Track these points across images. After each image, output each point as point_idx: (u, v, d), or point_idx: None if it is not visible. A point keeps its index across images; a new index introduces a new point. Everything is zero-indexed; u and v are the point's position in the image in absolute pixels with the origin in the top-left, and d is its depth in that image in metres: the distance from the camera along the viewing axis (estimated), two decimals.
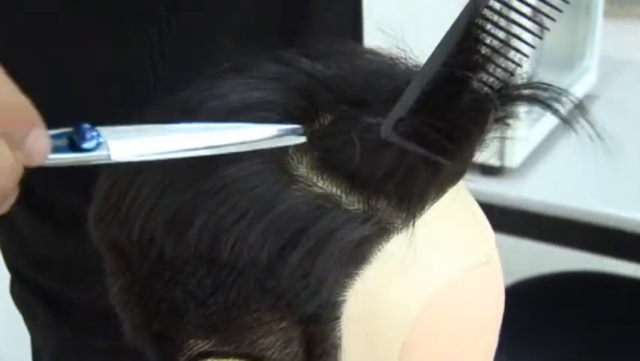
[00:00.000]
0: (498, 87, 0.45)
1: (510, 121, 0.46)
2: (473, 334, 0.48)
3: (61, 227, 0.72)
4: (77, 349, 0.80)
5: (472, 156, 0.47)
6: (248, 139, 0.44)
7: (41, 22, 0.66)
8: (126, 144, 0.43)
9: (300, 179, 0.44)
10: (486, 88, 0.44)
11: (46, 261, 0.77)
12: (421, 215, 0.46)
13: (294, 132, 0.45)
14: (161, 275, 0.45)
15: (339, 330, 0.45)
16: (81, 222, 0.50)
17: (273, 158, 0.44)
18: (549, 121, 1.46)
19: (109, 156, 0.42)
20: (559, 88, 0.46)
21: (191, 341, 0.47)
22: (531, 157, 1.44)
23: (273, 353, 0.46)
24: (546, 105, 0.46)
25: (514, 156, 1.39)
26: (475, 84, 0.44)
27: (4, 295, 0.86)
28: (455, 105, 0.44)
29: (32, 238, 0.77)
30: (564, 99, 0.46)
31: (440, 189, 0.46)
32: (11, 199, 0.40)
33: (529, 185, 1.42)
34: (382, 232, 0.45)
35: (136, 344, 0.50)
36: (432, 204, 0.46)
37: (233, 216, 0.43)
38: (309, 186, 0.44)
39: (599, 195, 1.40)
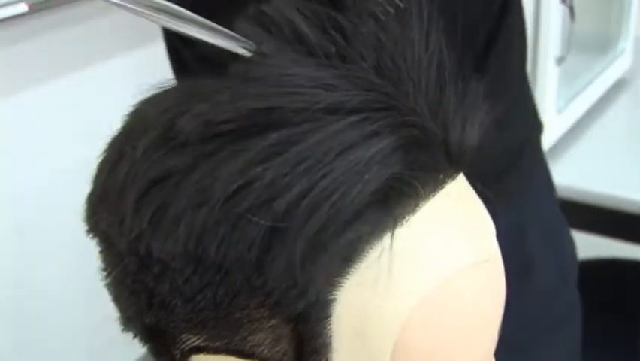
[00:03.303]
0: None
1: None
2: (470, 332, 0.47)
3: None
4: None
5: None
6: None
7: None
8: None
9: None
10: None
11: None
12: (414, 213, 0.45)
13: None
14: (150, 270, 0.45)
15: (330, 329, 0.45)
16: None
17: None
18: (579, 107, 1.44)
19: None
20: None
21: (184, 336, 0.47)
22: (560, 143, 1.42)
23: (264, 350, 0.45)
24: None
25: (543, 141, 1.36)
26: None
27: (5, 296, 0.88)
28: None
29: None
30: None
31: (433, 187, 0.46)
32: None
33: (558, 171, 1.40)
34: (378, 229, 0.44)
35: (131, 335, 0.50)
36: (425, 202, 0.45)
37: (218, 214, 0.43)
38: None
39: (628, 181, 1.38)
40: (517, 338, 0.93)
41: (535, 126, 0.98)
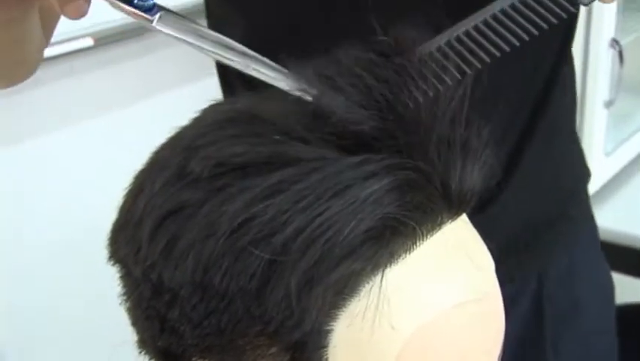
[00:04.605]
0: None
1: None
2: None
3: None
4: None
5: None
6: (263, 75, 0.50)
7: None
8: (174, 23, 0.50)
9: None
10: None
11: None
12: (411, 251, 0.47)
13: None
14: (162, 297, 0.48)
15: (327, 358, 0.47)
16: None
17: None
18: (628, 151, 1.44)
19: (152, 21, 0.49)
20: None
21: (194, 359, 0.50)
22: (607, 186, 1.42)
23: None
24: None
25: (591, 183, 1.37)
26: None
27: (5, 296, 0.90)
28: None
29: None
30: None
31: (431, 228, 0.48)
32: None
33: (605, 214, 1.40)
34: (372, 266, 0.46)
35: (146, 356, 0.53)
36: (423, 241, 0.48)
37: (223, 247, 0.46)
38: None
39: None
40: None
41: (583, 174, 1.00)
